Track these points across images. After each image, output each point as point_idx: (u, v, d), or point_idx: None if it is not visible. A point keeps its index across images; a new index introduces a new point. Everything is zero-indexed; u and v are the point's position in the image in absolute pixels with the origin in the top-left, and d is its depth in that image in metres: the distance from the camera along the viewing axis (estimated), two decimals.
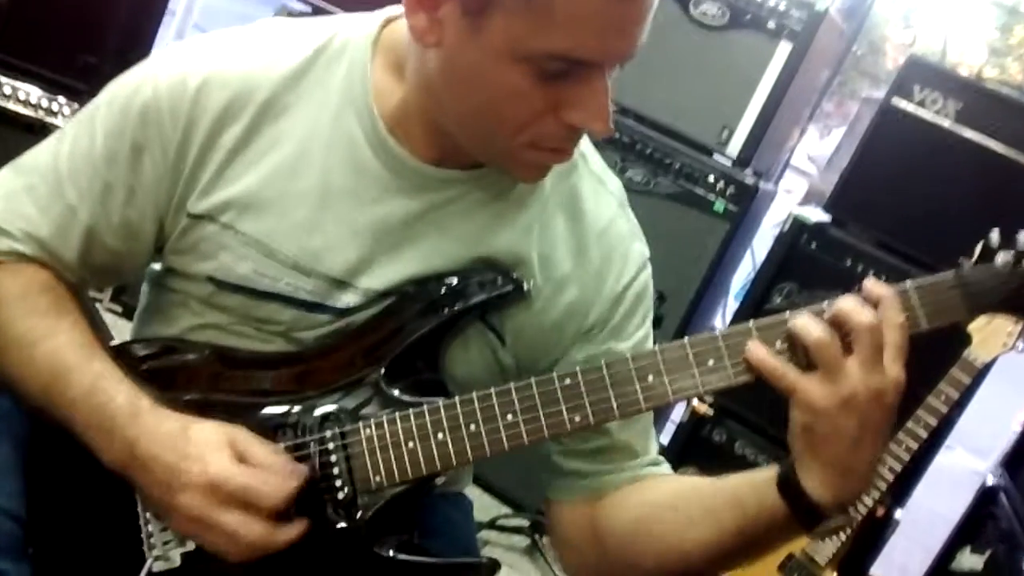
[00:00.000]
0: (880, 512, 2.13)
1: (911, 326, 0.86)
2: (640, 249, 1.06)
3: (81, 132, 0.97)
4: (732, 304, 4.23)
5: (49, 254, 0.98)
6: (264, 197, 0.95)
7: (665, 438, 2.66)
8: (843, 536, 2.03)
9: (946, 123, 2.17)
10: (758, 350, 0.86)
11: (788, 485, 0.86)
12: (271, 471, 0.87)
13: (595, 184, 1.05)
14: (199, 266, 0.98)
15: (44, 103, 2.39)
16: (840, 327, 0.84)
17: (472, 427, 0.91)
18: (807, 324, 0.84)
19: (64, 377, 0.91)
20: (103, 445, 0.89)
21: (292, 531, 0.87)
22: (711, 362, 0.88)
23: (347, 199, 0.96)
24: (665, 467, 1.06)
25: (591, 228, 1.02)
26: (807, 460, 0.85)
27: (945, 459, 2.27)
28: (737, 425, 2.36)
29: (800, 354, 0.85)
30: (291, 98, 0.95)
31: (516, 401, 0.90)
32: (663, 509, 0.97)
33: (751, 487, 0.90)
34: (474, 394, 0.91)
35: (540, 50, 0.80)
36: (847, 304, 0.85)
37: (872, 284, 0.86)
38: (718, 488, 0.94)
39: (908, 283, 0.87)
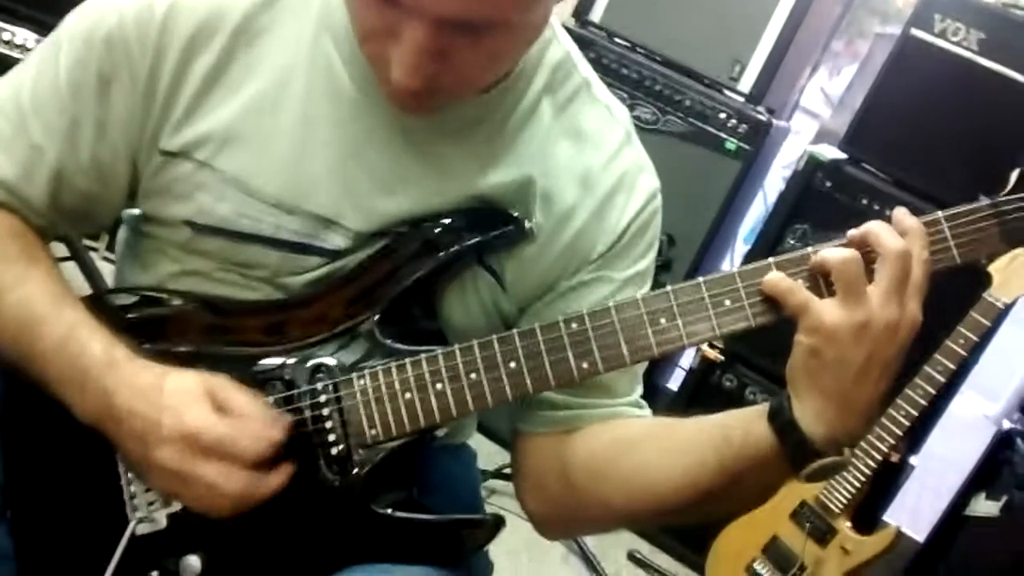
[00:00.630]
0: (895, 458, 2.10)
1: (944, 260, 0.81)
2: (648, 180, 0.99)
3: (44, 66, 0.90)
4: (741, 247, 4.16)
5: (16, 197, 0.91)
6: (242, 131, 0.89)
7: (674, 384, 2.62)
8: (856, 483, 1.99)
9: (968, 54, 2.08)
10: (774, 275, 0.81)
11: (780, 415, 0.80)
12: (251, 420, 0.82)
13: (601, 112, 0.98)
14: (175, 209, 0.92)
15: (31, 45, 2.31)
16: (867, 249, 0.79)
17: (473, 376, 0.85)
18: (832, 249, 0.80)
19: (35, 328, 0.85)
20: (76, 398, 0.84)
21: (275, 479, 0.83)
22: (728, 303, 0.82)
23: (329, 130, 0.89)
24: (646, 411, 1.00)
25: (595, 160, 0.96)
26: (805, 389, 0.79)
27: (955, 402, 2.22)
28: (748, 371, 2.32)
29: (821, 286, 0.80)
30: (264, 22, 0.88)
31: (519, 348, 0.85)
32: (638, 441, 0.92)
33: (738, 421, 0.84)
34: (474, 342, 0.86)
35: None
36: (879, 227, 0.79)
37: (903, 215, 0.80)
38: (702, 422, 0.88)
39: (939, 213, 0.81)
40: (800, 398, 0.80)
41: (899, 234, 0.79)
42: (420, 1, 0.72)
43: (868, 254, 0.79)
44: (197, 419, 0.80)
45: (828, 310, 0.78)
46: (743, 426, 0.83)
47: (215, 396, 0.83)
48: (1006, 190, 0.84)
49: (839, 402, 0.78)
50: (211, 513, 0.82)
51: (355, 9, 0.80)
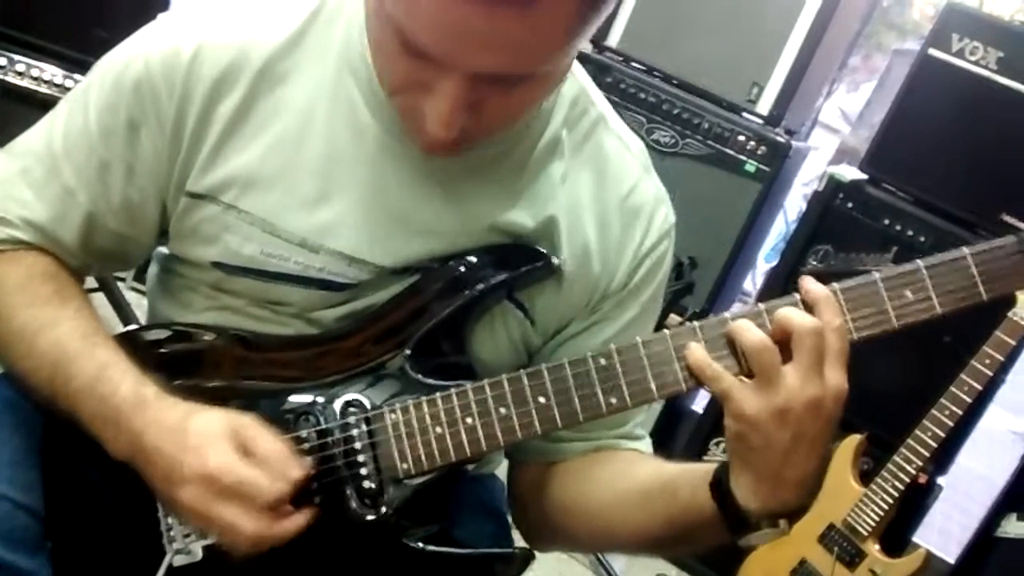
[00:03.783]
0: (922, 480, 2.08)
1: (969, 296, 0.80)
2: (665, 215, 1.00)
3: (74, 111, 0.93)
4: (761, 265, 4.16)
5: (49, 239, 0.94)
6: (267, 172, 0.90)
7: (699, 407, 2.61)
8: (884, 505, 1.98)
9: (986, 73, 2.08)
10: (697, 351, 0.81)
11: (720, 485, 0.83)
12: (270, 465, 0.83)
13: (618, 144, 0.99)
14: (203, 252, 0.94)
15: (58, 80, 2.35)
16: (781, 332, 0.79)
17: (502, 410, 0.86)
18: (745, 328, 0.80)
19: (68, 367, 0.87)
20: (109, 436, 0.86)
21: (292, 524, 0.83)
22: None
23: (352, 168, 0.91)
24: (639, 443, 1.03)
25: (614, 194, 0.97)
26: (738, 467, 0.82)
27: (982, 418, 2.20)
28: None
29: (741, 358, 0.81)
30: (288, 65, 0.90)
31: (548, 383, 0.86)
32: (602, 488, 0.97)
33: (688, 480, 0.88)
34: (503, 377, 0.87)
35: (392, 16, 0.74)
36: (785, 309, 0.80)
37: (809, 284, 0.81)
38: (659, 473, 0.93)
39: (965, 250, 0.82)
40: (735, 474, 0.83)
41: (810, 304, 0.79)
42: (455, 57, 0.73)
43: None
44: (218, 460, 0.81)
45: (748, 398, 0.78)
46: (691, 486, 0.87)
47: (239, 436, 0.83)
48: None
49: (771, 480, 0.80)
50: (233, 551, 0.83)
51: (386, 63, 0.81)
